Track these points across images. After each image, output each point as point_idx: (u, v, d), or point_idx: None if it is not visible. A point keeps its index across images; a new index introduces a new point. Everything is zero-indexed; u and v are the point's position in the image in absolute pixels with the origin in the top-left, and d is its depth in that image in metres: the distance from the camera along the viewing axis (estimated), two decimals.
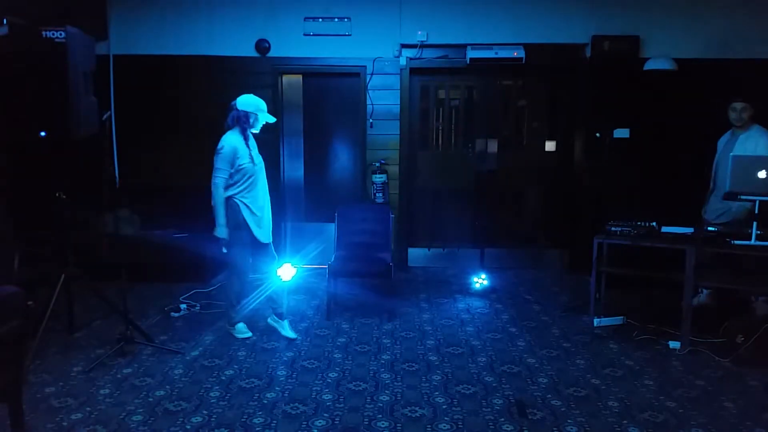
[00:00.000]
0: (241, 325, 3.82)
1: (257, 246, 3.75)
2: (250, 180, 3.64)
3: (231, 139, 3.63)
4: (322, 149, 5.57)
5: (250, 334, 3.81)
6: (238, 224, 3.65)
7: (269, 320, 3.91)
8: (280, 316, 3.85)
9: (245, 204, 3.64)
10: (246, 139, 3.66)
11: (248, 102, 3.68)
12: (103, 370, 3.25)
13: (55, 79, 3.26)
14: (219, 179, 3.59)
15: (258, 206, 3.70)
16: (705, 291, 4.32)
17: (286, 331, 3.80)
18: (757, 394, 3.07)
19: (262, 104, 3.73)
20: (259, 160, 3.72)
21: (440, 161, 5.66)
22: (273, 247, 3.87)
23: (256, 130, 3.74)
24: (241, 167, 3.60)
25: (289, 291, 4.76)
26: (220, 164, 3.58)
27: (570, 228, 5.52)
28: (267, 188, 3.81)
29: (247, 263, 3.78)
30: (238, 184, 3.63)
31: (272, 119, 3.78)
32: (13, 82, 3.32)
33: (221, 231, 3.63)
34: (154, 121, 5.34)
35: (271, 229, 3.84)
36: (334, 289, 4.32)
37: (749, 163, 3.52)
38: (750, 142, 3.99)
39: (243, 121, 3.65)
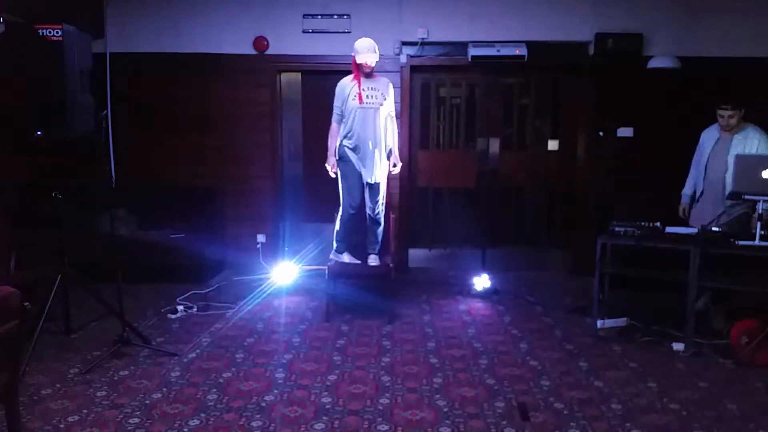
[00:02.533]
0: (344, 254, 4.30)
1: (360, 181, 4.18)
2: (352, 118, 4.07)
3: (342, 80, 4.13)
4: (321, 148, 5.51)
5: (357, 262, 4.28)
6: (342, 157, 4.16)
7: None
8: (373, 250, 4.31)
9: (346, 138, 4.12)
10: (358, 80, 4.06)
11: (354, 46, 4.07)
12: (99, 372, 3.21)
13: (51, 77, 3.23)
14: (333, 117, 4.17)
15: (357, 143, 4.09)
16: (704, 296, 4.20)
17: (372, 261, 4.29)
18: (760, 396, 3.04)
19: (361, 45, 4.04)
20: (373, 100, 4.07)
21: (441, 160, 5.61)
22: (380, 184, 4.22)
23: (366, 71, 4.07)
24: (346, 106, 4.08)
25: (287, 292, 4.76)
26: (334, 104, 4.16)
27: (573, 228, 5.48)
28: (377, 128, 4.10)
29: (354, 195, 4.19)
30: (344, 121, 4.12)
31: (367, 60, 4.02)
32: (8, 81, 3.29)
33: (328, 161, 4.19)
34: (151, 119, 5.30)
35: (375, 170, 4.13)
36: (333, 290, 4.28)
37: (753, 163, 3.47)
38: (749, 143, 3.83)
39: (354, 66, 4.09)
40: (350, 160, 4.15)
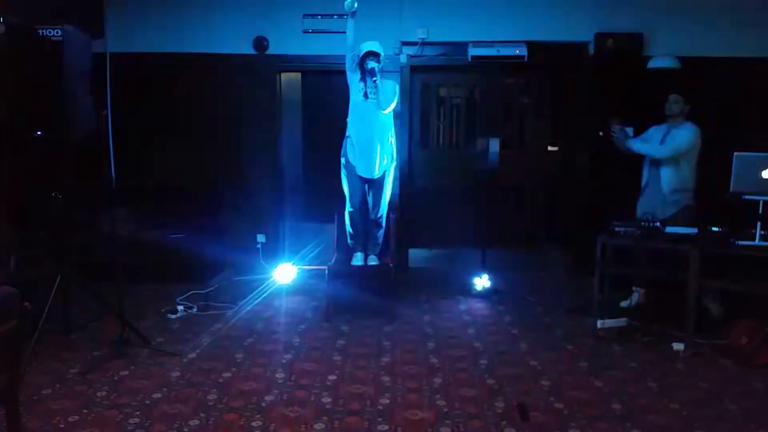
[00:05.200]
0: (356, 254, 4.32)
1: (365, 179, 4.24)
2: (356, 113, 4.16)
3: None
4: (321, 148, 5.53)
5: (360, 262, 4.28)
6: (345, 155, 4.24)
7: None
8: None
9: (349, 135, 4.20)
10: (363, 78, 4.14)
11: (360, 47, 4.15)
12: (99, 372, 3.21)
13: (51, 78, 3.23)
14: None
15: (359, 140, 4.15)
16: (638, 290, 4.33)
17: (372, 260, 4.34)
18: (760, 396, 3.04)
19: (366, 47, 4.12)
20: (381, 98, 4.08)
21: (441, 160, 5.62)
22: (384, 185, 4.28)
23: (370, 67, 4.09)
24: (351, 101, 4.17)
25: (287, 292, 4.76)
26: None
27: (573, 228, 5.48)
28: (380, 126, 4.16)
29: (353, 195, 4.26)
30: (349, 117, 4.21)
31: (369, 65, 4.08)
32: (9, 81, 3.29)
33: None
34: (151, 119, 5.30)
35: (375, 165, 4.17)
36: (333, 290, 4.27)
37: (753, 162, 3.47)
38: (678, 134, 4.04)
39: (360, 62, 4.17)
40: (351, 160, 4.20)
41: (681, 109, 4.10)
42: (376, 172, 4.20)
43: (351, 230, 4.37)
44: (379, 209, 4.30)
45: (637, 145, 4.15)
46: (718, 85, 4.99)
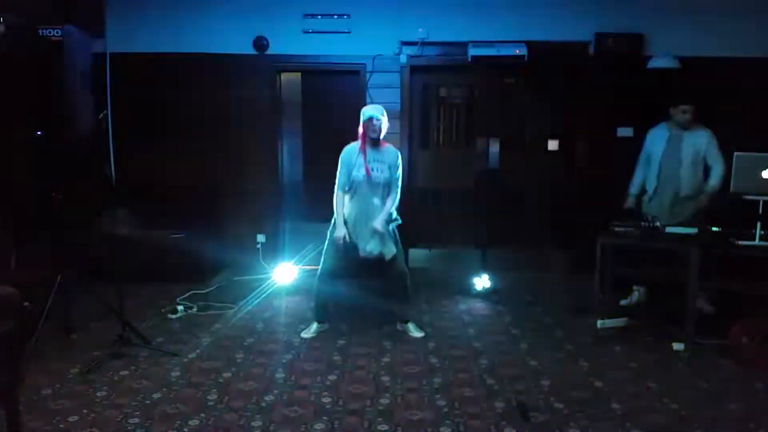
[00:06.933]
0: (313, 325, 3.90)
1: (354, 253, 3.76)
2: (354, 189, 3.78)
3: (348, 147, 3.82)
4: (321, 148, 5.53)
5: (310, 335, 3.84)
6: (334, 224, 3.84)
7: (398, 326, 3.96)
8: (404, 320, 3.94)
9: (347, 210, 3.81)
10: (364, 151, 3.75)
11: (362, 111, 3.79)
12: (99, 372, 3.22)
13: (51, 77, 3.23)
14: (338, 185, 3.84)
15: (353, 215, 3.80)
16: (638, 289, 4.36)
17: (413, 332, 3.87)
18: (761, 396, 3.05)
19: (367, 108, 3.79)
20: (378, 173, 3.76)
21: (441, 160, 5.61)
22: (393, 264, 3.83)
23: (373, 135, 3.74)
24: (351, 177, 3.76)
25: (287, 292, 4.76)
26: (338, 171, 3.83)
27: (573, 228, 5.48)
28: (377, 201, 3.81)
29: (328, 264, 3.83)
30: (349, 191, 3.80)
31: (367, 115, 3.72)
32: (9, 81, 3.29)
33: (338, 231, 3.77)
34: (151, 119, 5.30)
35: (372, 240, 3.74)
36: (332, 290, 4.25)
37: (753, 163, 3.47)
38: (698, 141, 4.09)
39: (361, 131, 3.77)
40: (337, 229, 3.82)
41: (693, 116, 4.14)
42: (373, 250, 3.74)
43: (316, 295, 3.91)
44: (385, 253, 3.79)
45: (713, 187, 4.08)
46: (718, 85, 4.98)
